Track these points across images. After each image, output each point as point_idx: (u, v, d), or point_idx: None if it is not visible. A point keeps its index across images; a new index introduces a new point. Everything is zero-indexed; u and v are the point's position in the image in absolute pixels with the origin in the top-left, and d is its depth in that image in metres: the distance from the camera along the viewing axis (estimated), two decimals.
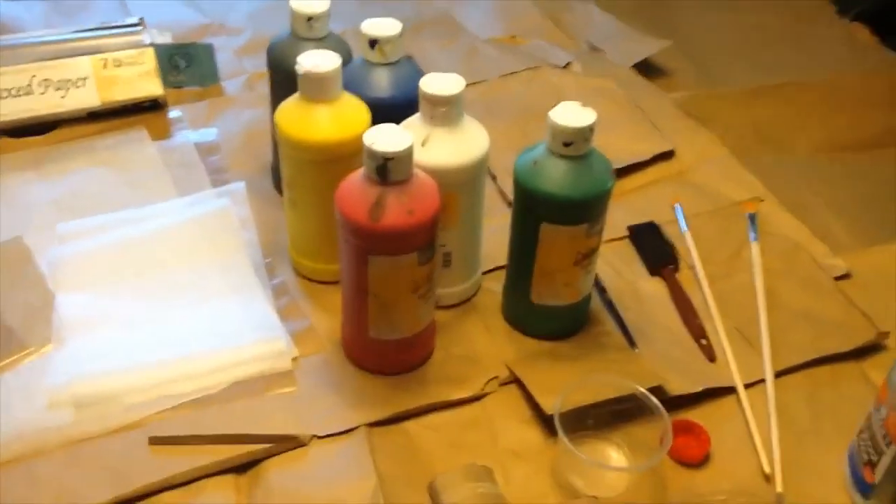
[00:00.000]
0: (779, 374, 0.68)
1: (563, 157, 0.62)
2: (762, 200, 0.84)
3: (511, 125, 0.92)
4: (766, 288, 0.75)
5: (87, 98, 0.87)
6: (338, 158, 0.66)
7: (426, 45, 1.04)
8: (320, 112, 0.66)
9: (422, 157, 0.64)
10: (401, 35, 0.71)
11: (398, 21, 0.71)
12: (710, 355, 0.69)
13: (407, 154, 0.58)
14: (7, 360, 0.65)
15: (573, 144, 0.61)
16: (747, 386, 0.67)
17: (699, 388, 0.66)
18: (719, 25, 1.15)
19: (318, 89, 0.66)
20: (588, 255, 0.66)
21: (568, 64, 1.03)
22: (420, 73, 0.72)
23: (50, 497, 0.57)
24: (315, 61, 0.65)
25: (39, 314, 0.68)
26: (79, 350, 0.66)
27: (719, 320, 0.72)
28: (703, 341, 0.71)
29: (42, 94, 0.86)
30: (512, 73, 1.01)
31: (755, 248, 0.79)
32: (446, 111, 0.64)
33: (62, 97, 0.86)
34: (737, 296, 0.75)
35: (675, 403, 0.64)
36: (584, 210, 0.64)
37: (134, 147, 0.86)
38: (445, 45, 1.05)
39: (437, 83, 0.64)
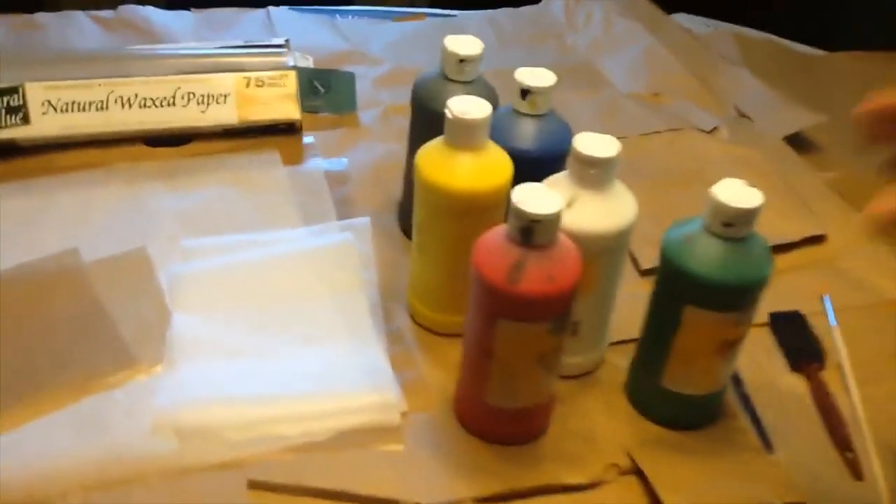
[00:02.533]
0: None
1: (720, 237, 0.57)
2: None
3: (650, 187, 0.87)
4: None
5: (226, 115, 0.87)
6: (476, 209, 0.63)
7: (565, 95, 1.00)
8: (463, 159, 0.64)
9: (565, 219, 0.60)
10: (554, 87, 0.68)
11: (552, 72, 0.68)
12: (857, 472, 0.63)
13: (555, 218, 0.54)
14: (117, 376, 0.64)
15: (734, 227, 0.56)
16: None
17: None
18: None
19: (464, 136, 0.63)
20: (733, 345, 0.61)
21: (714, 129, 0.98)
22: (567, 129, 0.69)
23: None
24: (465, 107, 0.62)
25: (154, 331, 0.67)
26: (189, 376, 0.64)
27: (868, 432, 0.65)
28: (849, 454, 0.64)
29: (184, 106, 0.86)
30: (654, 132, 0.96)
31: None
32: (597, 173, 0.60)
33: (202, 112, 0.86)
34: (890, 406, 0.67)
35: None
36: (736, 297, 0.58)
37: (265, 168, 0.85)
38: (585, 97, 1.02)
39: (592, 143, 0.60)
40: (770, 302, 0.76)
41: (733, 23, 1.22)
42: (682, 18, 1.23)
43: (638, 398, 0.66)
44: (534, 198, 0.54)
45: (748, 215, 0.56)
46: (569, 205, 0.61)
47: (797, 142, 0.98)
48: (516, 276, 0.54)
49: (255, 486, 0.57)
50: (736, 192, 0.57)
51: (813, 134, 1.00)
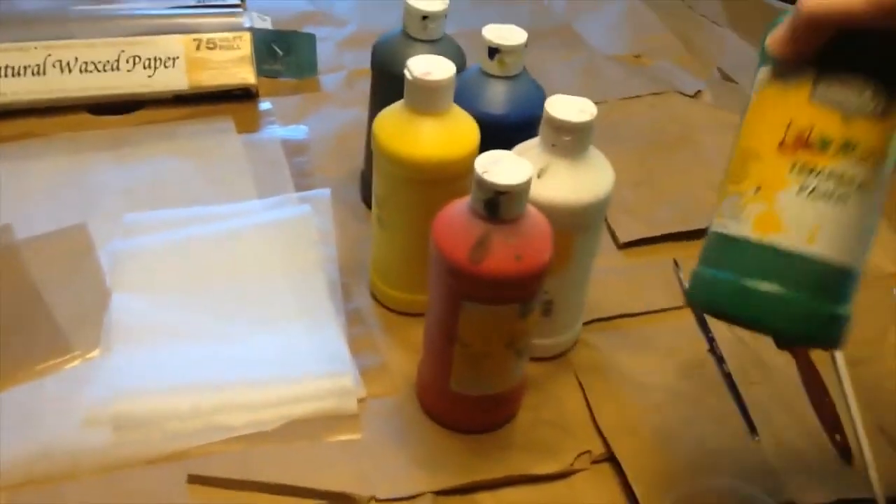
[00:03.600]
0: None
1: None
2: None
3: (630, 154, 0.82)
4: None
5: (175, 80, 0.81)
6: (440, 180, 0.58)
7: (542, 56, 0.95)
8: (425, 125, 0.58)
9: (537, 189, 0.55)
10: (526, 46, 0.62)
11: (523, 30, 0.63)
12: (847, 456, 0.59)
13: (523, 189, 0.49)
14: (49, 363, 0.59)
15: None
16: (890, 502, 0.56)
17: (832, 499, 0.55)
18: None
19: (426, 100, 0.58)
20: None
21: (698, 92, 0.93)
22: (540, 91, 0.64)
23: None
24: (426, 68, 0.57)
25: (91, 314, 0.62)
26: (126, 362, 0.59)
27: (858, 414, 0.61)
28: (838, 437, 0.60)
29: (129, 71, 0.80)
30: (635, 96, 0.91)
31: None
32: (571, 140, 0.55)
33: (149, 76, 0.80)
34: (881, 385, 0.63)
35: None
36: None
37: (218, 138, 0.80)
38: (563, 58, 0.96)
39: (565, 106, 0.55)
40: None
41: None
42: None
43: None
44: (500, 166, 0.49)
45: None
46: (539, 174, 0.56)
47: None
48: (480, 254, 0.49)
49: (195, 480, 0.53)
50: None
51: None
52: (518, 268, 0.49)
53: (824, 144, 0.40)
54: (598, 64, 0.96)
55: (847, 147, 0.40)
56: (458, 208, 0.51)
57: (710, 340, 0.66)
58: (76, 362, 0.59)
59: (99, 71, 0.79)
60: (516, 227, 0.50)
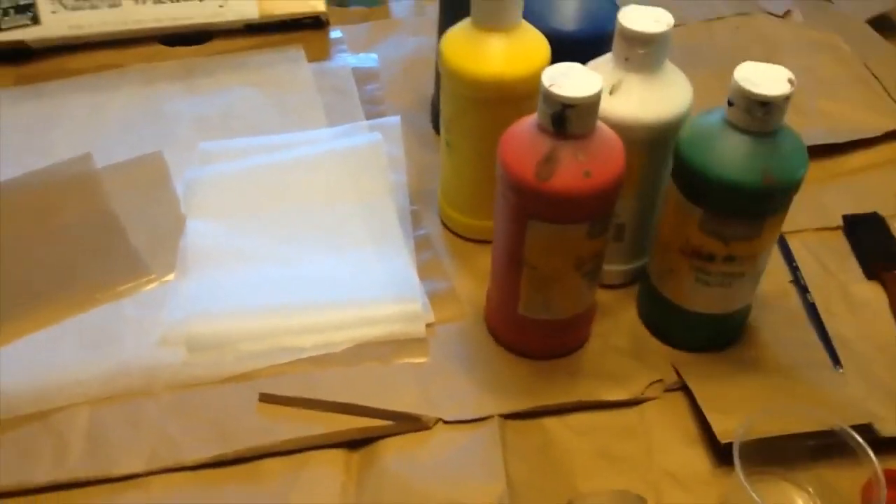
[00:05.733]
0: None
1: (743, 131, 0.49)
2: None
3: (711, 77, 0.77)
4: None
5: (246, 9, 0.81)
6: (507, 99, 0.56)
7: None
8: (493, 43, 0.56)
9: (608, 106, 0.53)
10: None
11: None
12: None
13: (593, 102, 0.47)
14: (127, 286, 0.60)
15: (759, 117, 0.48)
16: None
17: None
18: None
19: (492, 15, 0.56)
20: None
21: (787, 12, 0.87)
22: (614, 6, 0.61)
23: (150, 443, 0.52)
24: None
25: (167, 239, 0.63)
26: (201, 285, 0.60)
27: None
28: None
29: (201, 1, 0.80)
30: (719, 17, 0.86)
31: None
32: (646, 53, 0.52)
33: (220, 6, 0.80)
34: None
35: (888, 447, 0.51)
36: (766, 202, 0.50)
37: (288, 67, 0.79)
38: None
39: (639, 18, 0.52)
40: (846, 203, 0.68)
41: None
42: None
43: (649, 321, 0.59)
44: (568, 79, 0.47)
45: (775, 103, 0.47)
46: (612, 91, 0.53)
47: (884, 25, 0.87)
48: (547, 170, 0.48)
49: (265, 398, 0.54)
50: (763, 75, 0.48)
51: None
52: (587, 185, 0.48)
53: (711, 257, 0.52)
54: None
55: (729, 259, 0.52)
56: (526, 125, 0.50)
57: (794, 270, 0.63)
58: (153, 285, 0.61)
59: (172, 1, 0.80)
60: (585, 144, 0.48)
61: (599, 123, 0.49)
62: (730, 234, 0.51)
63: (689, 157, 0.50)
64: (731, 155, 0.49)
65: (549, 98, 0.47)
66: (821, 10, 0.89)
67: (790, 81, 0.48)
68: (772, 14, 0.87)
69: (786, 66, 0.83)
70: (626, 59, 0.53)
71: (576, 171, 0.48)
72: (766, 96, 0.47)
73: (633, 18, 0.52)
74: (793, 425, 0.49)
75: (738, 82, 0.47)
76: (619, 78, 0.53)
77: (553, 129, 0.48)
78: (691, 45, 0.82)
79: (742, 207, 0.50)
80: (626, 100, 0.53)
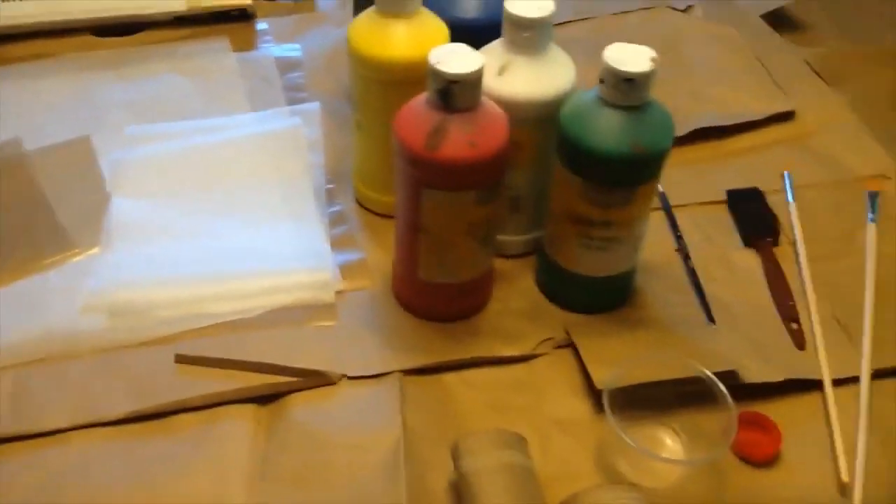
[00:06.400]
0: (877, 375, 0.59)
1: (615, 105, 0.54)
2: (888, 178, 0.74)
3: None
4: (877, 276, 0.65)
5: (174, 1, 0.85)
6: (408, 80, 0.61)
7: None
8: (395, 28, 0.61)
9: (497, 85, 0.58)
10: None
11: None
12: (800, 342, 0.61)
13: (475, 78, 0.52)
14: (54, 258, 0.64)
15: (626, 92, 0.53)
16: (837, 382, 0.59)
17: (779, 378, 0.58)
18: None
19: (394, 2, 0.60)
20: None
21: (689, 7, 0.93)
22: None
23: (73, 401, 0.56)
24: None
25: (92, 216, 0.67)
26: (123, 257, 0.64)
27: (815, 304, 0.64)
28: (794, 325, 0.62)
29: None
30: (626, 11, 0.92)
31: (871, 231, 0.69)
32: (530, 36, 0.58)
33: None
34: (841, 280, 0.66)
35: (751, 393, 0.57)
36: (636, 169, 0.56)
37: (214, 56, 0.83)
38: None
39: (524, 5, 0.57)
40: (731, 179, 0.74)
41: None
42: None
43: (544, 287, 0.64)
44: (453, 58, 0.52)
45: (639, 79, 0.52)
46: (500, 71, 0.58)
47: (781, 20, 0.94)
48: (435, 141, 0.52)
49: (181, 360, 0.57)
50: (629, 55, 0.53)
51: (801, 11, 0.95)
52: (472, 154, 0.53)
53: (592, 223, 0.57)
54: None
55: (606, 224, 0.57)
56: (418, 101, 0.54)
57: (679, 239, 0.69)
58: (78, 258, 0.64)
59: None
60: (471, 117, 0.53)
61: (485, 99, 0.54)
62: (607, 202, 0.56)
63: (568, 131, 0.55)
64: (604, 128, 0.54)
65: (436, 75, 0.52)
66: (720, 4, 0.95)
67: (653, 60, 0.53)
68: (675, 9, 0.93)
69: (685, 56, 0.89)
70: (513, 43, 0.58)
71: (462, 141, 0.53)
72: (630, 73, 0.52)
73: (518, 5, 0.57)
74: (660, 373, 0.55)
75: (606, 61, 0.53)
76: (507, 60, 0.58)
77: (440, 103, 0.52)
78: (600, 37, 0.87)
79: (615, 176, 0.55)
80: (513, 80, 0.58)
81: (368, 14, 0.62)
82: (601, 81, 0.54)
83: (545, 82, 0.59)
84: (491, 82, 0.57)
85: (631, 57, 0.53)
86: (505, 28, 0.58)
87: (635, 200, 0.56)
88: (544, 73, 0.59)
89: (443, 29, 0.62)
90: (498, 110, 0.55)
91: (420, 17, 0.62)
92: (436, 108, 0.53)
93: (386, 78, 0.62)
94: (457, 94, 0.52)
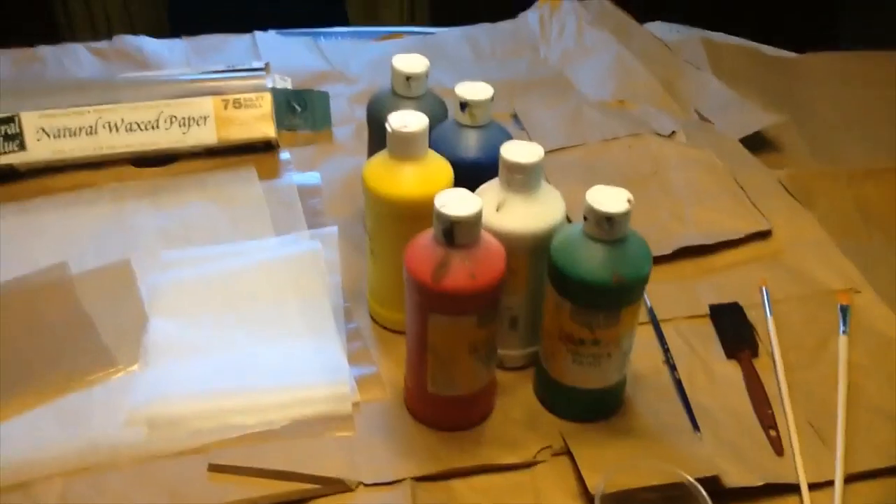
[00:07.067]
0: (850, 479, 0.65)
1: (597, 239, 0.61)
2: (858, 292, 0.81)
3: None
4: (849, 384, 0.71)
5: (206, 136, 0.94)
6: (416, 215, 0.69)
7: (533, 104, 1.06)
8: (405, 169, 0.69)
9: (496, 221, 0.65)
10: (492, 100, 0.73)
11: (489, 86, 0.74)
12: (778, 448, 0.67)
13: (474, 219, 0.60)
14: (97, 375, 0.71)
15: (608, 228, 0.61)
16: (813, 486, 0.64)
17: (759, 483, 0.63)
18: (844, 101, 1.12)
19: (404, 147, 0.69)
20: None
21: (672, 133, 1.02)
22: (508, 138, 0.74)
23: None
24: (403, 121, 0.68)
25: (132, 335, 0.74)
26: (161, 374, 0.70)
27: (791, 411, 0.69)
28: (772, 432, 0.68)
29: (167, 129, 0.93)
30: (614, 138, 1.01)
31: (843, 342, 0.75)
32: (523, 178, 0.66)
33: (183, 133, 0.93)
34: (816, 389, 0.72)
35: (733, 497, 0.62)
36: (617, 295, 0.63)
37: (241, 185, 0.92)
38: (552, 105, 1.07)
39: (517, 151, 0.66)
40: (713, 294, 0.81)
41: (713, 29, 1.26)
42: (655, 27, 1.27)
43: (542, 398, 0.71)
44: (455, 201, 0.60)
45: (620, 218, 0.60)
46: (498, 208, 0.66)
47: (758, 142, 1.02)
48: (440, 274, 0.60)
49: (214, 468, 0.63)
50: (608, 196, 0.61)
51: (777, 134, 1.04)
52: (473, 284, 0.60)
53: (582, 341, 0.64)
54: (583, 110, 1.05)
55: (595, 342, 0.64)
56: (425, 237, 0.62)
57: (666, 351, 0.75)
58: (119, 374, 0.71)
59: (141, 130, 0.92)
60: (472, 251, 0.61)
61: (484, 233, 0.62)
62: (594, 323, 0.63)
63: (557, 261, 0.63)
64: (588, 259, 0.61)
65: (440, 216, 0.59)
66: (702, 129, 1.03)
67: (629, 201, 0.61)
68: (659, 134, 1.01)
69: (669, 179, 0.97)
70: (509, 183, 0.66)
71: (464, 274, 0.60)
72: (609, 213, 0.60)
73: (513, 151, 0.65)
74: (646, 479, 0.60)
75: (588, 202, 0.60)
76: (504, 198, 0.66)
77: (444, 240, 0.60)
78: (589, 162, 0.96)
79: (600, 301, 0.62)
80: (510, 216, 0.66)
81: (382, 155, 0.71)
82: (585, 218, 0.61)
83: (538, 218, 0.66)
84: (490, 218, 0.65)
85: (610, 198, 0.61)
86: (501, 170, 0.66)
87: (620, 321, 0.63)
88: (537, 208, 0.67)
89: (448, 169, 0.71)
90: (496, 244, 0.63)
91: (427, 159, 0.70)
92: (441, 244, 0.60)
93: (397, 213, 0.70)
94: (459, 233, 0.60)
